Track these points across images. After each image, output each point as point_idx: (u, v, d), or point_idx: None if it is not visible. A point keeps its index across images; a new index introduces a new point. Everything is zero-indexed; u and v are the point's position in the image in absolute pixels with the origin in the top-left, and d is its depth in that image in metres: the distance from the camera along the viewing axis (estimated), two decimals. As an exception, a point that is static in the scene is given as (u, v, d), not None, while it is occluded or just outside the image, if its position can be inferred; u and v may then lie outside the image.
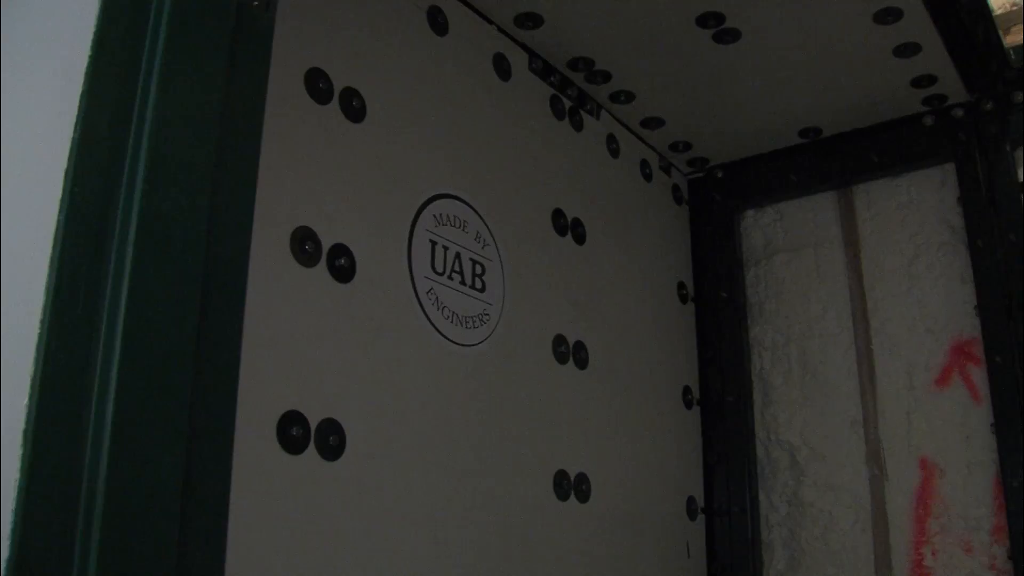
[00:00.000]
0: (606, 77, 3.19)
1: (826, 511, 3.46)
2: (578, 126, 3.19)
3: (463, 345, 2.48)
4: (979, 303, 3.32)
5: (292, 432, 1.99)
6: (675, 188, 3.73)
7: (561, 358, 2.85)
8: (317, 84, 2.23)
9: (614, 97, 3.30)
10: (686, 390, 3.49)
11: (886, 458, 3.43)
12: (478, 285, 2.57)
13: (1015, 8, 3.47)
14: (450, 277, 2.48)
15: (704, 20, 2.91)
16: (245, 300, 1.55)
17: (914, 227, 3.55)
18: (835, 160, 3.65)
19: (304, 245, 2.10)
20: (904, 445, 3.40)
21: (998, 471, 3.21)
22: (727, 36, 2.99)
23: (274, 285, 2.03)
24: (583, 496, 2.83)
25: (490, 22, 2.87)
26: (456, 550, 2.37)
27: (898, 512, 3.37)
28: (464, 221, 2.57)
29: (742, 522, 3.49)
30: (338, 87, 2.29)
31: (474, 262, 2.57)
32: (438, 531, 2.32)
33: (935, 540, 3.30)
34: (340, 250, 2.19)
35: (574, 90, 3.19)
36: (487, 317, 2.58)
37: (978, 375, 3.32)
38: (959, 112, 3.47)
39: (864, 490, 3.43)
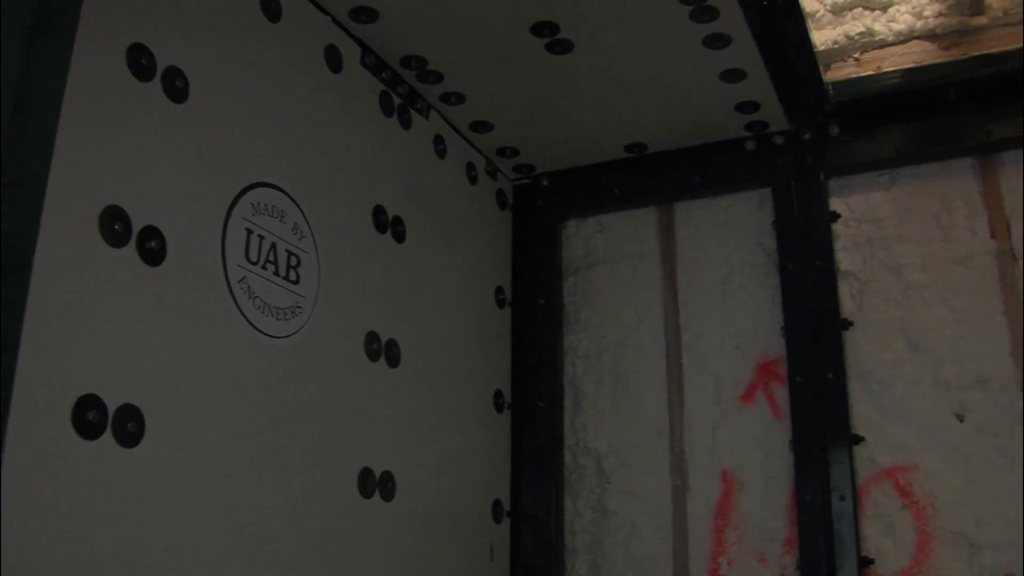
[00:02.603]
0: (438, 77, 3.18)
1: (629, 519, 3.53)
2: (406, 124, 3.18)
3: (273, 337, 2.44)
4: (786, 324, 3.43)
5: (88, 417, 1.92)
6: (500, 193, 3.75)
7: (373, 355, 2.83)
8: (139, 60, 2.16)
9: (445, 98, 3.30)
10: (498, 394, 3.51)
11: (689, 469, 3.51)
12: (292, 277, 2.53)
13: (837, 46, 3.59)
14: (264, 267, 2.44)
15: (539, 29, 2.93)
16: (30, 278, 1.49)
17: (730, 247, 3.65)
18: (658, 176, 3.73)
19: (113, 225, 2.04)
20: (707, 457, 3.49)
21: (793, 486, 3.33)
22: (560, 47, 3.02)
23: (78, 264, 1.96)
24: (388, 495, 2.82)
25: (325, 13, 2.83)
26: (256, 545, 2.33)
27: (698, 522, 3.45)
28: (282, 211, 2.53)
29: (546, 526, 3.53)
30: (161, 65, 2.22)
31: (290, 253, 2.54)
32: (237, 525, 2.28)
33: (732, 550, 3.39)
34: (151, 232, 2.13)
35: (405, 88, 3.18)
36: (299, 310, 2.55)
37: (780, 393, 3.43)
38: (779, 139, 3.59)
39: (667, 500, 3.51)
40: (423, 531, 2.99)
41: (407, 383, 2.98)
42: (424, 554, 3.00)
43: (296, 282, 2.55)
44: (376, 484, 2.78)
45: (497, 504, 3.42)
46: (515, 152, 3.67)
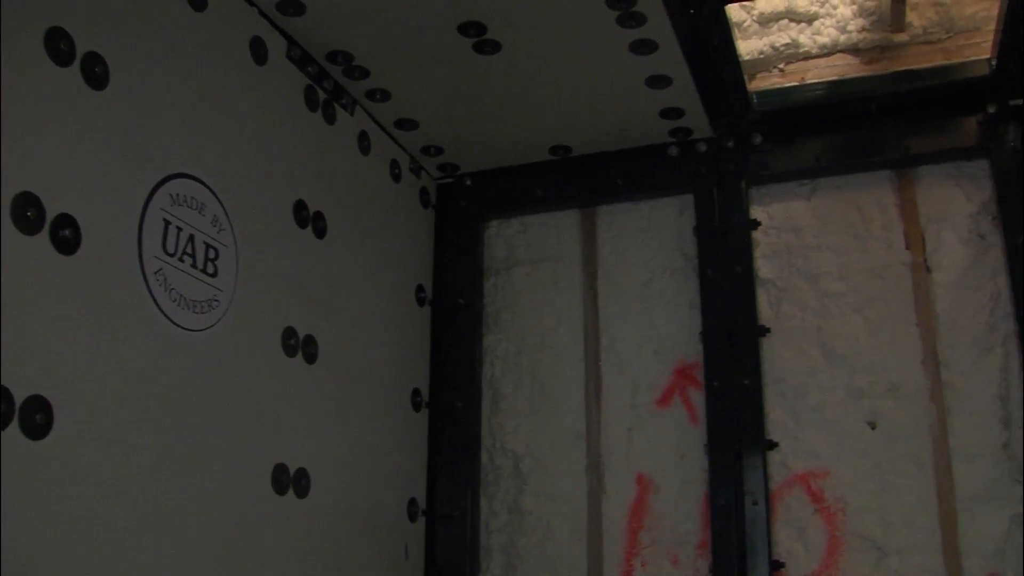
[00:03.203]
0: (364, 73, 3.16)
1: (544, 520, 3.54)
2: (331, 119, 3.16)
3: (188, 330, 2.41)
4: (704, 330, 3.47)
5: (-8, 407, 1.89)
6: (423, 191, 3.74)
7: (290, 351, 2.80)
8: (58, 45, 2.12)
9: (370, 94, 3.28)
10: (416, 392, 3.49)
11: (605, 472, 3.53)
12: (210, 270, 2.50)
13: (762, 56, 3.63)
14: (181, 259, 2.40)
15: (466, 29, 2.93)
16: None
17: (650, 252, 3.67)
18: (582, 179, 3.74)
19: (26, 212, 1.99)
20: (623, 460, 3.51)
21: (708, 490, 3.36)
22: (487, 47, 3.02)
23: (-15, 251, 1.92)
24: (302, 491, 2.80)
25: (251, 4, 2.80)
26: (167, 540, 2.30)
27: (613, 524, 3.48)
28: (202, 203, 2.50)
29: (462, 526, 3.53)
30: (81, 50, 2.18)
31: (208, 246, 2.50)
32: (147, 520, 2.24)
33: (645, 552, 3.42)
34: (65, 220, 2.08)
35: (330, 83, 3.16)
36: (216, 303, 2.51)
37: (697, 398, 3.47)
38: (702, 146, 3.63)
39: (582, 501, 3.53)
40: (337, 529, 2.98)
41: (324, 380, 2.96)
42: (338, 552, 2.98)
43: (214, 275, 2.52)
44: (290, 481, 2.75)
45: (413, 503, 3.41)
46: (439, 151, 3.66)
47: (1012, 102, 3.38)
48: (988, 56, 3.34)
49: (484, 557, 3.57)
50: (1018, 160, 3.35)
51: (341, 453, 3.02)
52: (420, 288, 3.62)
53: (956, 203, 3.43)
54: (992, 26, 3.27)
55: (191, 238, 2.45)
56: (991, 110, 3.38)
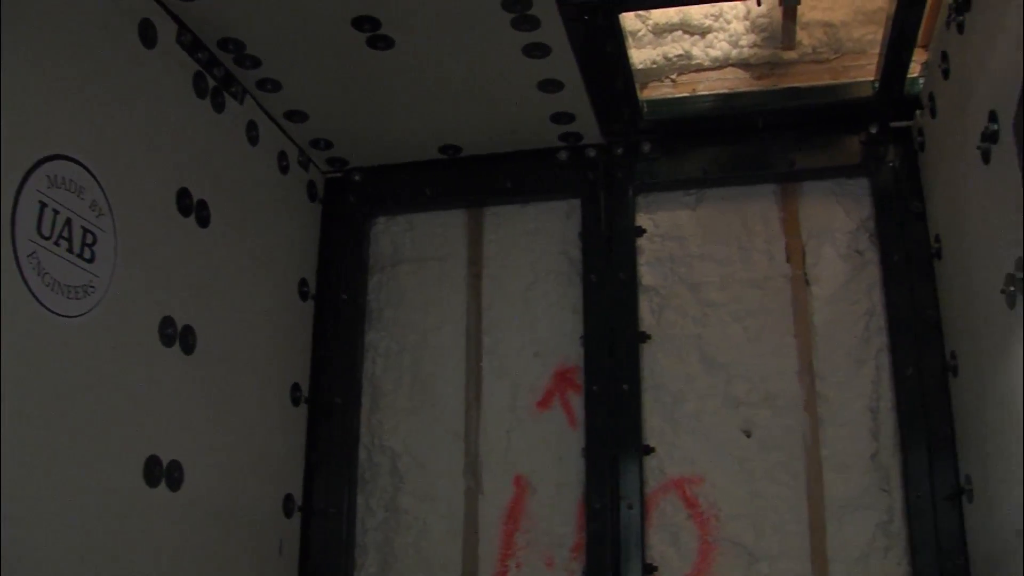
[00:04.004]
0: (255, 63, 3.11)
1: (421, 519, 3.53)
2: (219, 108, 3.10)
3: (62, 315, 2.34)
4: (585, 334, 3.49)
5: None
6: (311, 185, 3.70)
7: (167, 340, 2.75)
8: (-68, 20, 2.06)
9: (261, 84, 3.23)
10: (295, 387, 3.46)
11: (483, 472, 3.53)
12: (87, 255, 2.43)
13: (655, 66, 3.67)
14: (57, 243, 2.34)
15: (360, 23, 2.91)
16: None
17: (536, 254, 3.69)
18: (470, 180, 3.74)
19: None
20: (501, 461, 3.52)
21: (584, 493, 3.38)
22: (381, 43, 3.00)
23: None
24: (175, 484, 2.74)
25: (142, -15, 2.75)
26: (34, 533, 2.23)
27: (489, 525, 3.48)
28: (81, 187, 2.44)
29: (337, 524, 3.50)
30: (-42, 27, 2.12)
31: (85, 231, 2.44)
32: (15, 511, 2.17)
33: (520, 554, 3.44)
34: (-67, 198, 2.02)
35: (221, 70, 3.10)
36: (92, 289, 2.45)
37: (576, 401, 3.49)
38: (592, 152, 3.65)
39: (459, 501, 3.53)
40: (210, 523, 2.93)
41: (202, 371, 2.91)
42: (210, 546, 2.93)
43: (91, 260, 2.45)
44: (163, 473, 2.69)
45: (289, 499, 3.37)
46: (329, 144, 3.62)
47: (893, 124, 3.47)
48: (872, 78, 3.42)
49: (360, 555, 3.54)
50: (896, 180, 3.44)
51: (216, 446, 2.97)
52: (303, 282, 3.58)
53: (836, 219, 3.52)
54: (877, 50, 3.35)
55: (68, 222, 2.38)
56: (873, 130, 3.47)
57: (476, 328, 3.66)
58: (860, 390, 3.35)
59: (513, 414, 3.55)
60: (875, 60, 3.38)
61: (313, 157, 3.70)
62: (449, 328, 3.68)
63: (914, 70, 3.32)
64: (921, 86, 3.34)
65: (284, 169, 3.49)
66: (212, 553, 2.93)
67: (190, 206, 2.90)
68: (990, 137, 2.53)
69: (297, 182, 3.61)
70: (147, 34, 2.75)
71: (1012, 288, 2.42)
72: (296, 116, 3.42)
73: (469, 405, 3.59)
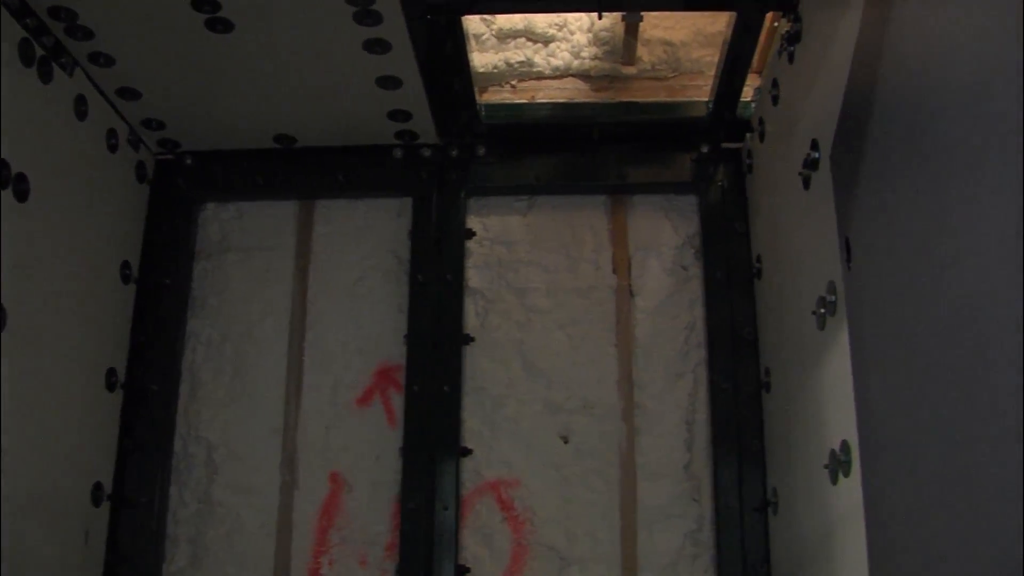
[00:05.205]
0: (88, 34, 3.01)
1: (235, 512, 3.48)
2: (47, 78, 2.99)
3: None
4: (409, 333, 3.49)
5: None
6: (140, 165, 3.60)
7: (-25, 316, 2.65)
8: None
9: (93, 58, 3.13)
10: (111, 372, 3.36)
11: (300, 467, 3.50)
12: None
13: (496, 70, 3.69)
14: None
15: (200, 4, 2.84)
16: None
17: (365, 251, 3.68)
18: (303, 171, 3.71)
19: None
20: (319, 457, 3.50)
21: (399, 492, 3.38)
22: (219, 25, 2.94)
23: None
24: (-27, 466, 2.65)
25: (-35, -58, 2.64)
26: None
27: (304, 520, 3.46)
28: None
29: (148, 514, 3.42)
30: None
31: None
32: None
33: (334, 551, 3.42)
34: None
35: (50, 39, 2.99)
36: None
37: (397, 400, 3.49)
38: (427, 152, 3.66)
39: (274, 496, 3.49)
40: (12, 509, 2.81)
41: (11, 351, 2.79)
42: (11, 534, 2.81)
43: None
44: (-39, 455, 2.60)
45: (98, 487, 3.27)
46: (161, 125, 3.53)
47: (724, 144, 3.58)
48: (707, 99, 3.51)
49: (170, 547, 3.47)
50: (724, 199, 3.53)
51: (24, 430, 2.86)
52: (126, 264, 3.48)
53: (664, 234, 3.60)
54: (713, 72, 3.44)
55: None
56: (704, 150, 3.58)
57: (300, 321, 3.63)
58: (677, 402, 3.44)
59: (333, 410, 3.53)
60: (711, 81, 3.48)
61: (144, 137, 3.60)
62: (272, 320, 3.63)
63: (747, 94, 3.43)
64: (752, 110, 3.45)
65: (113, 147, 3.39)
66: (12, 540, 2.82)
67: (8, 178, 2.78)
68: (811, 164, 2.63)
69: (125, 161, 3.51)
70: (-32, -5, 2.64)
71: (823, 310, 2.52)
72: (128, 94, 3.32)
73: (289, 399, 3.55)
